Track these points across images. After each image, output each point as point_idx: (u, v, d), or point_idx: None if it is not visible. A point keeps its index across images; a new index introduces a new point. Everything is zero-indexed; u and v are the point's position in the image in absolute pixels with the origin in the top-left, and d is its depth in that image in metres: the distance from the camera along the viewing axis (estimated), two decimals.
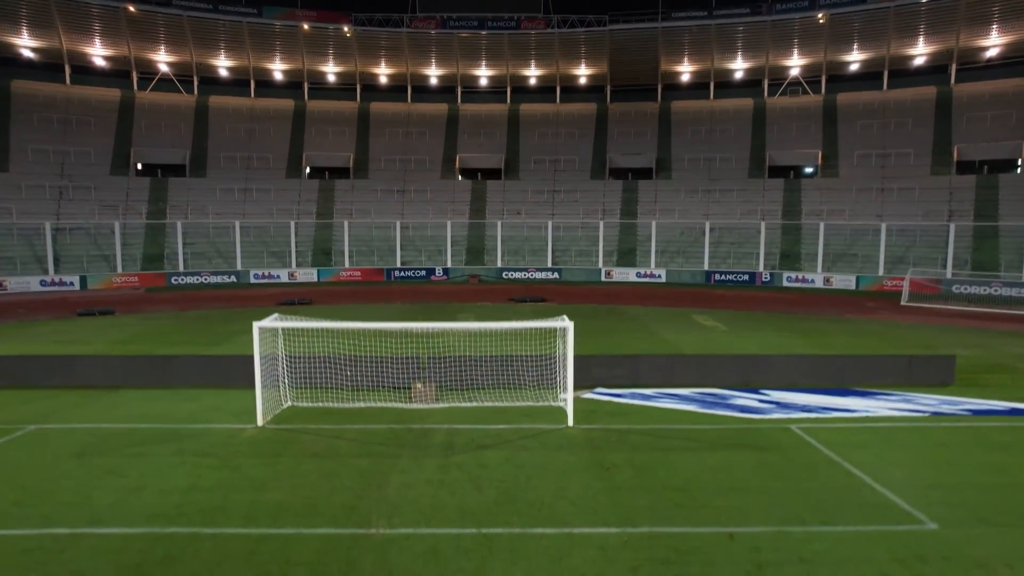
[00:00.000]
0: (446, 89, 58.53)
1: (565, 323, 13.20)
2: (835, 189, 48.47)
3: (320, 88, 57.49)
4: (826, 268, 42.86)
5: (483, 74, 57.53)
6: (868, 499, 9.58)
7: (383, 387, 15.11)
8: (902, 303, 33.11)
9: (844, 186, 48.38)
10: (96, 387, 15.58)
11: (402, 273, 46.54)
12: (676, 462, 10.96)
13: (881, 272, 40.84)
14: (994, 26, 46.68)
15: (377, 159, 54.98)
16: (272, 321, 13.23)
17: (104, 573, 7.50)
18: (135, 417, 13.42)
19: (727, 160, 52.68)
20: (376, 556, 7.92)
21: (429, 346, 16.34)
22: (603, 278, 45.93)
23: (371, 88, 58.12)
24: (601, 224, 47.76)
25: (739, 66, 54.78)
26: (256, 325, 12.85)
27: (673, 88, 57.11)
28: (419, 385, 14.75)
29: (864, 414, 13.77)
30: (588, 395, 15.09)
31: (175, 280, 42.79)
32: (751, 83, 55.88)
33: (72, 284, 40.32)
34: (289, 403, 14.29)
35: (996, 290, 34.45)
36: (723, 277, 44.23)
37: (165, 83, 54.32)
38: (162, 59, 53.03)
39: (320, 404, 14.23)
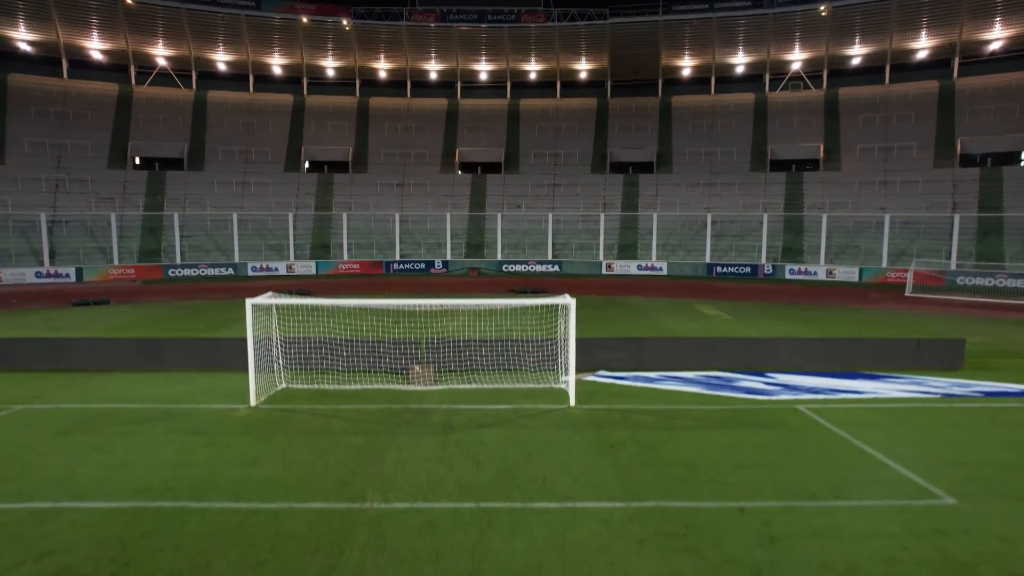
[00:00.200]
0: (446, 84, 58.13)
1: (567, 300, 12.86)
2: (838, 183, 48.08)
3: (319, 83, 57.09)
4: (829, 261, 42.49)
5: (483, 68, 57.09)
6: (882, 475, 9.24)
7: (380, 370, 14.76)
8: (906, 294, 32.74)
9: (847, 180, 48.01)
10: (87, 370, 15.23)
11: (401, 266, 46.17)
12: (682, 440, 10.61)
13: (885, 264, 40.45)
14: (997, 19, 46.27)
15: (376, 153, 54.58)
16: (266, 298, 12.88)
17: (82, 546, 7.14)
18: (125, 398, 13.07)
19: (728, 154, 52.29)
20: (370, 529, 7.57)
21: (427, 329, 15.99)
22: (604, 271, 45.57)
23: (370, 83, 57.72)
24: (602, 217, 47.40)
25: (740, 60, 54.37)
26: (249, 302, 12.51)
27: (674, 83, 56.72)
28: (417, 367, 14.39)
29: (873, 395, 13.42)
30: (590, 378, 14.74)
31: (172, 272, 42.44)
32: (752, 77, 55.44)
33: (68, 276, 39.96)
34: (284, 385, 13.94)
35: (1001, 281, 34.11)
36: (725, 270, 43.86)
37: (163, 77, 53.94)
38: (160, 53, 52.63)
39: (315, 386, 13.88)
